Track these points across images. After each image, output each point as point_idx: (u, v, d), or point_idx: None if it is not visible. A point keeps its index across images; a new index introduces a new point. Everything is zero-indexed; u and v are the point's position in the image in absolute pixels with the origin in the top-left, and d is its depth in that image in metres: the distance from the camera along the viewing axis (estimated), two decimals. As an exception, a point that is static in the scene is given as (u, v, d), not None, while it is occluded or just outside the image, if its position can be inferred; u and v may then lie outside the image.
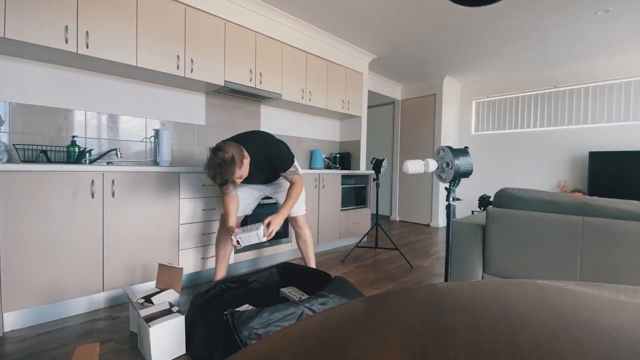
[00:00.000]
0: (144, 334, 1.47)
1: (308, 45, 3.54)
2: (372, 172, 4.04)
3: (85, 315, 1.95)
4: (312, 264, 2.39)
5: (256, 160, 1.95)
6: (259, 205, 2.77)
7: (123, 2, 2.23)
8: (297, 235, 2.38)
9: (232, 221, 2.03)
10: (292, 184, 2.09)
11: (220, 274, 2.21)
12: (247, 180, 2.04)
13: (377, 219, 3.43)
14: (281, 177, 2.20)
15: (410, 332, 0.52)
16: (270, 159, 2.00)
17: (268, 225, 1.91)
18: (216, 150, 1.73)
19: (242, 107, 3.37)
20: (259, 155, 1.95)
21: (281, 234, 3.03)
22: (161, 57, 2.42)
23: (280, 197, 2.27)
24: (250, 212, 2.34)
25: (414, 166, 1.23)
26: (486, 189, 5.42)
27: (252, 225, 1.91)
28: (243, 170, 1.81)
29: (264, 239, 1.88)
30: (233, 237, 1.87)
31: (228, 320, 1.38)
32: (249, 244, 1.86)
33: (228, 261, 2.25)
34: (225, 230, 2.16)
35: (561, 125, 4.66)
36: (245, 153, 1.84)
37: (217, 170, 1.70)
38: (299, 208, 2.30)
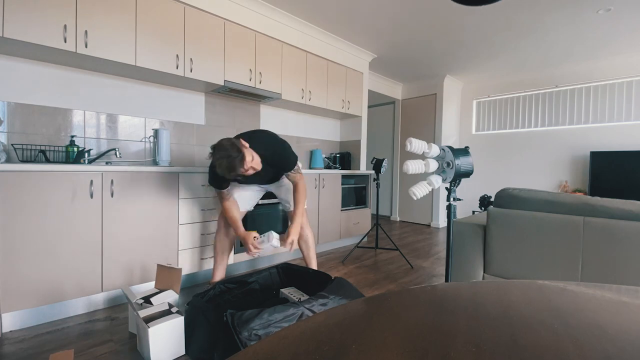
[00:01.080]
0: (143, 334, 1.46)
1: (308, 44, 3.54)
2: (373, 172, 4.03)
3: (84, 316, 1.95)
4: (314, 265, 2.33)
5: (265, 157, 1.91)
6: (261, 206, 2.76)
7: (122, 1, 2.22)
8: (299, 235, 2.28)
9: (241, 227, 2.02)
10: (295, 184, 2.07)
11: (219, 276, 2.19)
12: (251, 180, 2.04)
13: (377, 219, 3.42)
14: (282, 176, 2.19)
15: (410, 333, 0.51)
16: (277, 157, 1.97)
17: (283, 238, 1.91)
18: (219, 144, 1.71)
19: (241, 106, 3.36)
20: (268, 152, 1.92)
21: (281, 234, 3.01)
22: (160, 57, 2.41)
23: (283, 193, 2.27)
24: (252, 208, 2.31)
25: (414, 166, 1.22)
26: (487, 189, 5.41)
27: (264, 236, 1.92)
28: (254, 162, 1.78)
29: (284, 249, 1.89)
30: (253, 248, 1.90)
31: (228, 321, 1.37)
32: (267, 254, 1.89)
33: (227, 263, 2.23)
34: (225, 233, 2.15)
35: (562, 125, 4.65)
36: (250, 149, 1.82)
37: (229, 161, 1.65)
38: None
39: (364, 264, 3.10)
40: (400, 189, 5.78)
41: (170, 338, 1.48)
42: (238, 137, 1.94)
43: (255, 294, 1.98)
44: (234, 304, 1.79)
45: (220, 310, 1.48)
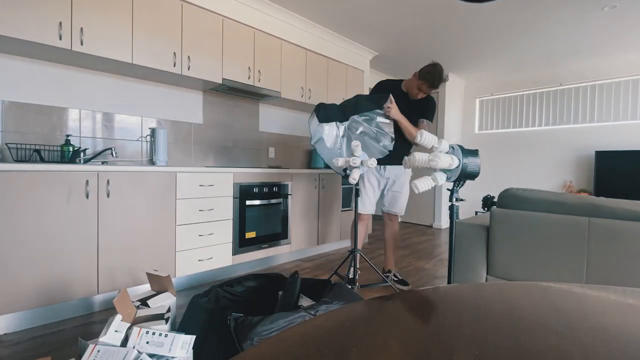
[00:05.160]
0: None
1: (308, 42, 3.51)
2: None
3: (81, 318, 1.92)
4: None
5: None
6: (260, 206, 2.73)
7: (118, -2, 2.21)
8: (392, 229, 2.65)
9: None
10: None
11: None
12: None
13: (354, 243, 2.37)
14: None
15: (412, 335, 0.51)
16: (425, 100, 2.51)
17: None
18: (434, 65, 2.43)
19: (240, 105, 3.34)
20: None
21: (280, 235, 2.99)
22: (157, 54, 2.39)
23: (398, 188, 2.55)
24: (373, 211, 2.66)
25: (423, 185, 1.20)
26: (490, 189, 5.37)
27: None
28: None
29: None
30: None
31: (230, 327, 1.35)
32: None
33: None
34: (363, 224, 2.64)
35: (567, 123, 4.61)
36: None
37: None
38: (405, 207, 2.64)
39: (364, 265, 3.07)
40: (402, 189, 5.74)
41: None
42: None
43: (256, 296, 1.95)
44: (233, 306, 1.76)
45: (219, 312, 1.45)
